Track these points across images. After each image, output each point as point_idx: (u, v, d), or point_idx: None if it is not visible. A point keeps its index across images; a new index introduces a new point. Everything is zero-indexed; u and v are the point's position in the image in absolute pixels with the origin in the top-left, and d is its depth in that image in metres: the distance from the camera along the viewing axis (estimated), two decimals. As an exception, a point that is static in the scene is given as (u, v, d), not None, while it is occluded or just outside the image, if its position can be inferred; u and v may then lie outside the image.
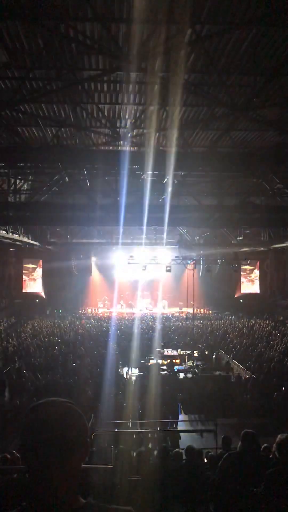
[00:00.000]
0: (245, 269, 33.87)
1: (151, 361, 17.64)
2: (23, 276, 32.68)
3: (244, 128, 12.09)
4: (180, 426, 12.50)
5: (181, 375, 16.55)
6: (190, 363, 18.67)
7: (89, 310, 35.54)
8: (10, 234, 18.59)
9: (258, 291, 34.25)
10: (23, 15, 7.06)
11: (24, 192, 16.91)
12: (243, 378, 15.55)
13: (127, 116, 11.64)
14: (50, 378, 14.58)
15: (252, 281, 34.42)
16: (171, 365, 17.33)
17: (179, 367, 17.90)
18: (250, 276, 34.39)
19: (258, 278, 34.27)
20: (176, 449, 6.72)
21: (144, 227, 14.85)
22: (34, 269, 32.97)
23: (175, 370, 16.98)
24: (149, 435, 10.34)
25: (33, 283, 33.14)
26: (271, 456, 4.62)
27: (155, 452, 7.06)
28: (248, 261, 32.30)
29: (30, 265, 32.80)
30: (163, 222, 13.74)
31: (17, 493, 4.17)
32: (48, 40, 7.83)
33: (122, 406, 12.16)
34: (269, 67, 8.69)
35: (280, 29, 7.52)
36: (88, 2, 6.82)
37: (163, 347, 20.44)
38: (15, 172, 14.76)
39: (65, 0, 6.82)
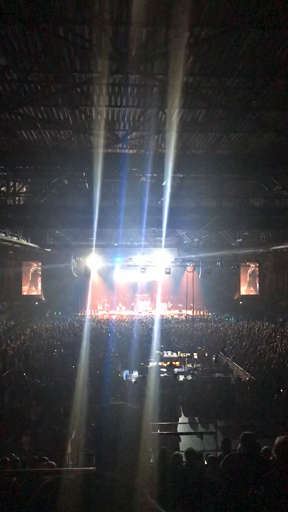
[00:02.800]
0: (244, 271, 33.86)
1: (151, 364, 17.63)
2: (22, 279, 32.65)
3: (242, 130, 12.11)
4: (180, 429, 12.48)
5: (181, 377, 16.53)
6: (190, 365, 18.65)
7: (89, 313, 35.49)
8: (9, 236, 18.59)
9: (257, 293, 34.24)
10: (21, 18, 7.08)
11: (23, 194, 16.91)
12: (242, 380, 15.54)
13: (126, 119, 11.66)
14: (49, 381, 14.55)
15: (252, 283, 34.40)
16: (171, 368, 17.32)
17: (179, 369, 17.88)
18: (249, 278, 34.37)
19: (257, 280, 34.25)
20: (176, 452, 6.70)
21: (144, 229, 14.87)
22: (33, 271, 32.94)
23: (175, 372, 16.97)
24: (149, 438, 10.31)
25: (32, 285, 33.10)
26: (271, 458, 4.61)
27: (155, 455, 7.03)
28: (248, 263, 32.31)
29: (29, 268, 32.77)
30: (162, 224, 13.75)
31: (17, 496, 4.15)
32: (47, 43, 7.85)
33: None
34: (267, 69, 8.72)
35: (278, 31, 7.54)
36: (86, 5, 6.83)
37: (163, 349, 20.43)
38: (14, 175, 14.76)
39: (64, 3, 6.83)
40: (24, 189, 17.02)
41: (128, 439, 1.46)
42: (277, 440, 4.06)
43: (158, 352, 19.56)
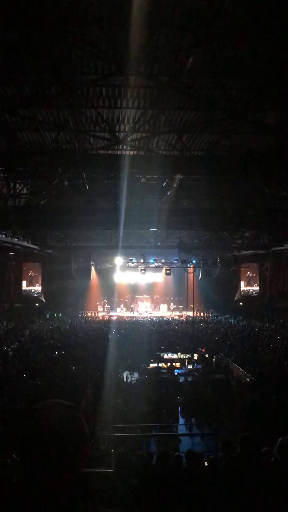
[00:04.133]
0: (245, 272, 33.88)
1: (151, 365, 17.61)
2: (23, 280, 32.66)
3: (242, 131, 12.12)
4: (180, 430, 12.46)
5: (181, 379, 16.51)
6: (190, 366, 18.64)
7: (89, 314, 35.51)
8: (10, 238, 18.59)
9: (257, 294, 34.25)
10: (22, 19, 7.09)
11: (24, 196, 16.92)
12: (243, 381, 15.52)
13: (126, 120, 11.67)
14: (50, 382, 14.53)
15: (252, 284, 34.41)
16: (171, 369, 17.30)
17: (179, 371, 17.86)
18: (250, 279, 34.39)
19: (257, 281, 34.26)
20: (176, 453, 6.70)
21: (144, 231, 14.88)
22: (33, 273, 32.95)
23: (175, 373, 16.95)
24: (149, 439, 10.32)
25: (33, 287, 33.11)
26: (272, 459, 4.62)
27: (155, 456, 7.04)
28: (248, 264, 32.31)
29: (30, 269, 32.78)
30: (162, 225, 13.77)
31: (18, 498, 4.15)
32: (47, 44, 7.86)
33: (122, 410, 12.13)
34: (267, 70, 8.73)
35: (279, 33, 7.55)
36: (86, 7, 6.85)
37: (163, 350, 20.42)
38: (15, 176, 14.77)
39: (64, 5, 6.85)
40: (25, 190, 17.04)
41: (56, 448, 1.22)
42: (280, 441, 4.07)
43: (158, 353, 19.55)
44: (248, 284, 34.46)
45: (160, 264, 28.74)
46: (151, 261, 27.02)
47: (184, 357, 19.66)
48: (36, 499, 1.23)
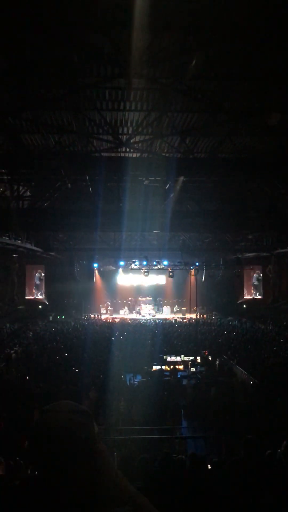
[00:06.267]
0: (248, 274, 33.81)
1: (154, 367, 17.58)
2: (26, 282, 32.72)
3: (245, 133, 12.11)
4: (183, 433, 12.42)
5: (184, 381, 16.47)
6: (193, 369, 18.59)
7: (92, 316, 35.53)
8: (13, 240, 18.63)
9: (261, 296, 34.16)
10: (26, 22, 7.12)
11: (27, 198, 16.96)
12: (246, 384, 15.47)
13: (129, 123, 11.69)
14: (53, 385, 14.53)
15: (255, 286, 34.32)
16: (174, 371, 17.26)
17: (182, 373, 17.82)
18: (253, 281, 34.31)
19: (261, 283, 34.18)
20: (179, 456, 6.67)
21: (147, 233, 14.89)
22: (37, 275, 33.01)
23: (178, 376, 16.91)
24: (152, 442, 10.28)
25: (36, 289, 33.17)
26: (276, 462, 4.59)
27: (158, 459, 7.01)
28: (251, 266, 32.23)
29: (33, 271, 32.84)
30: (165, 227, 13.76)
31: (19, 500, 4.13)
32: (50, 47, 7.89)
33: (125, 412, 12.12)
34: (271, 72, 8.72)
35: (283, 34, 7.55)
36: (89, 9, 6.87)
37: (166, 353, 20.39)
38: (18, 179, 14.81)
39: (66, 7, 6.87)
40: (28, 193, 17.08)
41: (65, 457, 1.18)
42: (285, 443, 4.04)
43: (161, 355, 19.52)
44: (252, 286, 34.32)
45: (163, 266, 28.71)
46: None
47: (187, 359, 19.62)
48: (41, 501, 1.22)
